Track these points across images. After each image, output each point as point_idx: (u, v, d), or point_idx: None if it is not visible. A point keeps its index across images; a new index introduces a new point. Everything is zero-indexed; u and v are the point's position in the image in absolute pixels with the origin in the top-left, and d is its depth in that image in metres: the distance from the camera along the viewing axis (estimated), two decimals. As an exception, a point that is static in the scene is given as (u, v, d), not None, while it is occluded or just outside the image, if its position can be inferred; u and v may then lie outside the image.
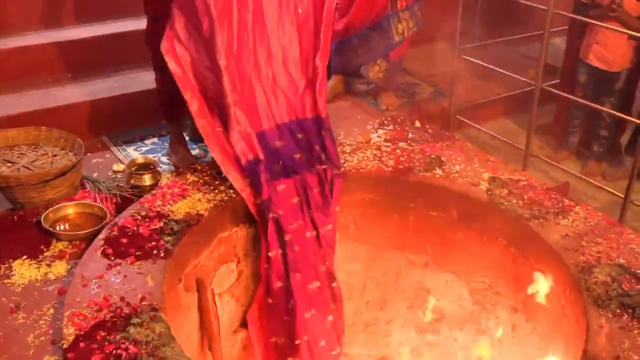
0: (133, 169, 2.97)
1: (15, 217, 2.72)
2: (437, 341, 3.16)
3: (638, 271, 2.37)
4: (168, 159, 3.50)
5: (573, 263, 2.42)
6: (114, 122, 3.76)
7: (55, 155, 3.02)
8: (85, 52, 4.03)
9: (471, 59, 4.20)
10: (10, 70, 3.83)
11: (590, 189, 3.86)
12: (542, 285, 2.57)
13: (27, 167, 2.91)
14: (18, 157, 2.98)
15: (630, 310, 2.20)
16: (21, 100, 3.67)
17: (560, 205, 2.75)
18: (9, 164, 2.93)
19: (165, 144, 3.62)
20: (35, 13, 4.13)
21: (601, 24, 3.73)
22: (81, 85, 3.88)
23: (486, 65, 4.16)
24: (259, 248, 2.74)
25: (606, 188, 3.69)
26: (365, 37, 4.02)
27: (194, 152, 3.55)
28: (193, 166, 3.03)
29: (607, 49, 3.96)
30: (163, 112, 3.41)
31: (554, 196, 2.81)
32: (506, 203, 2.77)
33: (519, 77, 4.06)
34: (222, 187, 2.81)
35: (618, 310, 2.20)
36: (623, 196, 3.44)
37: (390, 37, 3.99)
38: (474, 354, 3.00)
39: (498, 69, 4.10)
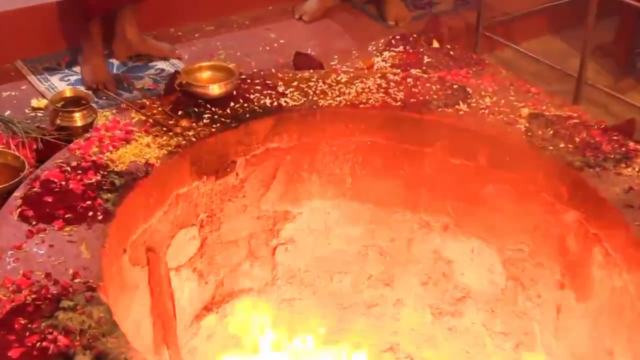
0: (59, 105, 2.93)
1: None
2: (460, 327, 3.20)
3: None
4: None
5: (638, 225, 2.43)
6: (31, 41, 3.70)
7: (-46, 87, 2.97)
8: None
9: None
10: None
11: (661, 128, 3.86)
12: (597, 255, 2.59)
13: None
14: None
15: None
16: None
17: (622, 149, 2.75)
18: None
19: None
20: None
21: None
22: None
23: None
24: (228, 208, 2.73)
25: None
26: None
27: (140, 83, 3.54)
28: (140, 101, 3.00)
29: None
30: (87, 7, 3.41)
31: (614, 137, 2.81)
32: (551, 147, 2.76)
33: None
34: (178, 129, 2.79)
35: (695, 286, 2.22)
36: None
37: None
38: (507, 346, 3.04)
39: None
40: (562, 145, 2.77)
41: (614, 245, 2.53)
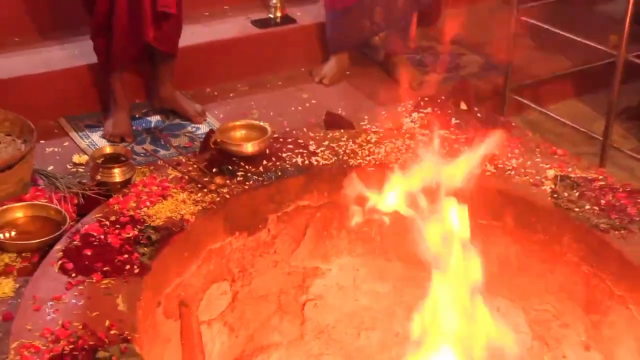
0: (99, 161, 2.98)
1: (-50, 221, 2.74)
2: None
3: None
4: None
5: (664, 287, 2.43)
6: (74, 100, 3.80)
7: (-1, 143, 3.04)
8: (36, 11, 4.06)
9: (533, 22, 4.19)
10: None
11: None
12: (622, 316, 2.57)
13: (-36, 158, 2.92)
14: (-47, 145, 3.00)
15: None
16: (-45, 71, 3.71)
17: (648, 212, 2.74)
18: (-58, 154, 2.94)
19: (140, 128, 3.68)
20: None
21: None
22: (32, 53, 3.91)
23: (553, 29, 4.15)
24: (260, 263, 2.74)
25: None
26: None
27: (176, 141, 3.59)
28: (177, 158, 3.05)
29: None
30: (102, 60, 3.54)
31: (640, 201, 2.80)
32: (577, 209, 2.76)
33: (596, 44, 4.04)
34: (212, 186, 2.83)
35: None
36: None
37: None
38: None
39: (568, 35, 4.09)
40: (587, 207, 2.77)
41: (640, 307, 2.52)
